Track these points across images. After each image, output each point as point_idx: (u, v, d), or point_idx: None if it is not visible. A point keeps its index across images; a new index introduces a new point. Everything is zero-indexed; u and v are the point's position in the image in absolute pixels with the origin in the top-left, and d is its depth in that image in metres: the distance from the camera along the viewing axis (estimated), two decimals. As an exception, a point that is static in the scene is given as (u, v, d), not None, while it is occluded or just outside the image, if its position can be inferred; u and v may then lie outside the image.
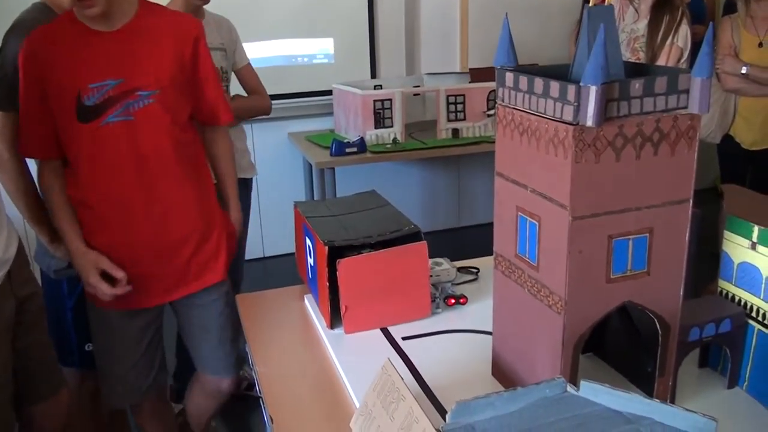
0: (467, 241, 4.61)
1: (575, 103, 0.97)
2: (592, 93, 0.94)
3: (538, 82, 1.04)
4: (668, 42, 3.28)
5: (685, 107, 1.05)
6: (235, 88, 2.79)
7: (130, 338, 1.85)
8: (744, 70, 3.31)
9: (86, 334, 1.91)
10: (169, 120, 1.72)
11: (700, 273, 1.41)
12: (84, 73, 1.63)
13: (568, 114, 0.98)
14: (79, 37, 1.65)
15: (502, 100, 1.16)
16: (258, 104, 2.71)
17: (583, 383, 0.84)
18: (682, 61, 3.39)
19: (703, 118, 3.59)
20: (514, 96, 1.12)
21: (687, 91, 1.04)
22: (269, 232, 4.37)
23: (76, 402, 2.05)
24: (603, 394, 0.81)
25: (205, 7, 2.46)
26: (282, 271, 4.19)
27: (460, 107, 3.74)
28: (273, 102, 4.09)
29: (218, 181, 2.01)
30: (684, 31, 3.34)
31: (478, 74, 3.94)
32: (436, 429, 0.87)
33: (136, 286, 1.74)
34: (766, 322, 1.21)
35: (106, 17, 1.64)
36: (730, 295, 1.28)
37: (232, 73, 2.66)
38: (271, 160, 4.26)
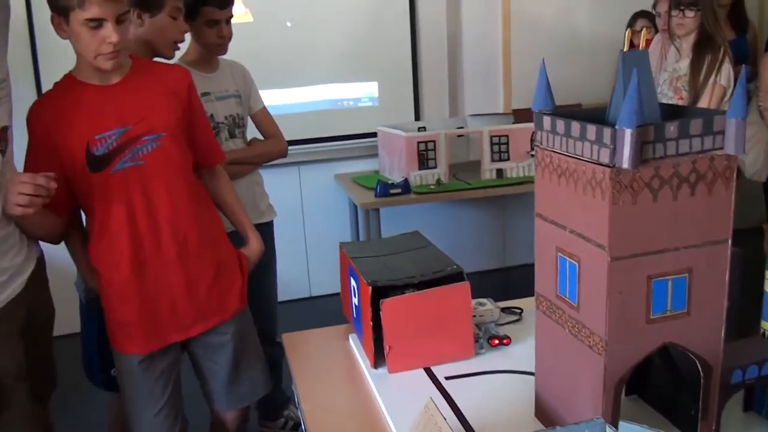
0: (512, 281, 4.59)
1: (611, 146, 0.99)
2: (627, 136, 0.97)
3: (575, 126, 1.07)
4: (711, 81, 3.27)
5: (721, 148, 1.06)
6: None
7: (151, 384, 1.90)
8: None
9: (110, 359, 1.97)
10: (177, 161, 1.83)
11: (747, 314, 1.40)
12: (92, 125, 1.73)
13: (605, 156, 1.00)
14: (81, 94, 1.75)
15: (541, 143, 1.18)
16: (275, 148, 2.75)
17: (622, 424, 0.84)
18: (725, 99, 3.37)
19: (750, 158, 3.57)
20: (552, 139, 1.15)
21: (722, 132, 1.05)
22: (315, 272, 4.43)
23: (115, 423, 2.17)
24: (641, 434, 0.82)
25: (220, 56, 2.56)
26: (328, 311, 4.22)
27: (504, 147, 3.77)
28: (320, 144, 4.22)
29: (231, 218, 2.11)
30: (726, 70, 3.32)
31: (521, 115, 3.96)
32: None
33: (152, 324, 1.84)
34: (812, 363, 1.19)
35: (110, 73, 1.75)
36: (774, 335, 1.27)
37: (249, 118, 2.72)
38: (318, 201, 4.34)
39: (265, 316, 2.63)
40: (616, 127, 0.98)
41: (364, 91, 4.31)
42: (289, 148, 4.16)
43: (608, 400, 1.06)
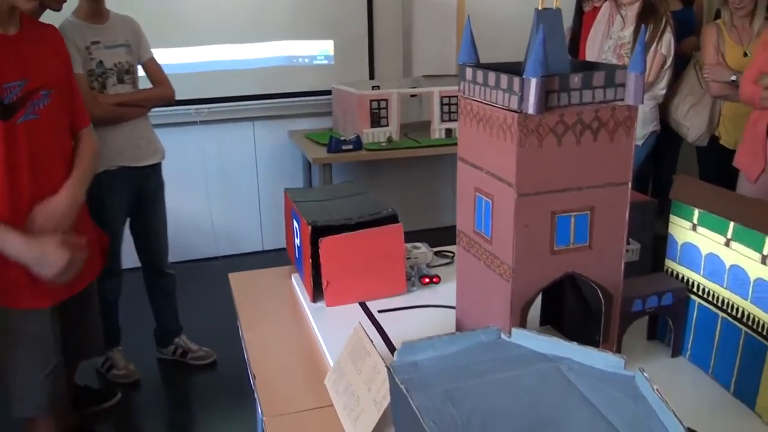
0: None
1: (519, 93, 1.10)
2: (532, 84, 1.08)
3: (491, 76, 1.18)
4: (652, 49, 3.42)
5: (622, 99, 1.18)
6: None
7: (47, 340, 1.97)
8: (733, 78, 3.43)
9: None
10: (64, 119, 1.93)
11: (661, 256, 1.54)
12: (1, 72, 1.77)
13: (514, 103, 1.12)
14: None
15: (464, 93, 1.29)
16: (161, 93, 2.97)
17: (514, 330, 0.97)
18: (665, 67, 3.53)
19: (693, 123, 3.73)
20: (473, 88, 1.25)
21: (623, 85, 1.17)
22: (268, 226, 4.52)
23: None
24: (530, 339, 0.95)
25: (109, 7, 2.82)
26: (279, 264, 4.33)
27: (453, 108, 3.89)
28: (275, 101, 4.27)
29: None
30: (667, 39, 3.47)
31: (473, 77, 4.07)
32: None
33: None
34: (705, 296, 1.34)
35: (8, 23, 1.81)
36: (674, 272, 1.42)
37: (139, 66, 2.95)
38: (272, 157, 4.41)
39: (154, 250, 3.05)
40: (523, 76, 1.09)
41: (320, 49, 4.37)
42: (244, 103, 4.23)
43: (515, 321, 1.19)
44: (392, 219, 1.66)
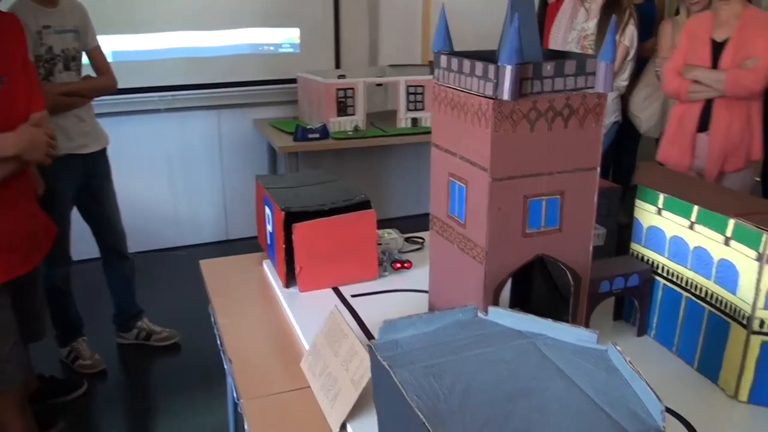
0: (426, 227, 4.78)
1: (494, 80, 1.13)
2: (507, 71, 1.11)
3: (467, 63, 1.21)
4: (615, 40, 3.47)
5: (592, 87, 1.22)
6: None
7: (6, 314, 2.02)
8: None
9: None
10: (18, 106, 1.96)
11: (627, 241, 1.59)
12: None
13: (489, 89, 1.14)
14: None
15: (438, 80, 1.32)
16: (105, 83, 2.97)
17: (491, 309, 1.00)
18: (628, 59, 3.60)
19: (646, 114, 3.73)
20: (447, 76, 1.28)
21: (594, 73, 1.21)
22: (233, 215, 4.50)
23: None
24: (506, 317, 0.98)
25: None
26: (244, 252, 4.33)
27: (419, 97, 3.92)
28: (239, 89, 4.25)
29: None
30: (630, 31, 3.55)
31: (438, 66, 4.10)
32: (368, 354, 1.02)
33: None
34: (670, 277, 1.39)
35: None
36: (640, 255, 1.46)
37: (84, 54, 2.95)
38: (237, 146, 4.39)
39: (111, 233, 3.07)
40: (499, 63, 1.12)
41: (285, 37, 4.36)
42: (208, 91, 4.20)
43: (487, 302, 1.22)
44: (365, 205, 1.68)
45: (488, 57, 1.23)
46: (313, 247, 1.62)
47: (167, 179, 4.27)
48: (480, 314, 1.00)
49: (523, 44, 1.13)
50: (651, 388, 0.80)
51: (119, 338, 3.28)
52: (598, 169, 1.27)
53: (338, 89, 3.77)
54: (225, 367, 1.60)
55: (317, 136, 3.69)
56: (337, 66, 4.47)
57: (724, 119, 2.96)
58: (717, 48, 2.99)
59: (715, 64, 2.97)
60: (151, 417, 2.80)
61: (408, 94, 3.89)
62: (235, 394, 1.36)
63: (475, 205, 1.23)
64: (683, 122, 3.08)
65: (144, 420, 2.79)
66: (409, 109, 3.92)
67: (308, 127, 3.72)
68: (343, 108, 3.81)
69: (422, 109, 3.92)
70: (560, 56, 1.29)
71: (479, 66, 1.17)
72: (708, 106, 2.99)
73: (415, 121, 3.93)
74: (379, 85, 4.26)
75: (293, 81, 4.16)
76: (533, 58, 1.20)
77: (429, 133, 3.98)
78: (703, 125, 3.02)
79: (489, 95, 1.15)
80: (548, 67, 1.17)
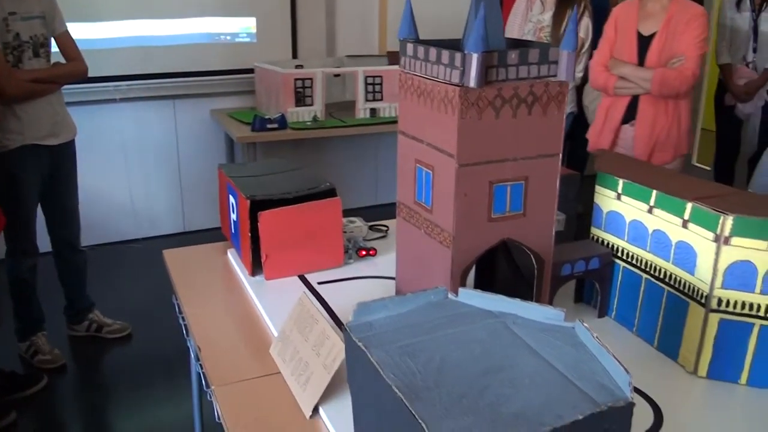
0: (384, 217, 4.81)
1: (461, 68, 1.15)
2: (474, 59, 1.13)
3: (433, 51, 1.23)
4: None
5: (555, 75, 1.25)
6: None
7: None
8: None
9: None
10: None
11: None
12: None
13: (456, 77, 1.17)
14: None
15: (404, 68, 1.34)
16: (75, 70, 2.92)
17: (461, 290, 1.03)
18: (583, 50, 3.67)
19: (593, 107, 3.65)
20: (413, 64, 1.30)
21: (556, 62, 1.24)
22: (190, 207, 4.45)
23: None
24: (476, 298, 1.01)
25: None
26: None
27: (378, 88, 3.93)
28: (196, 79, 4.20)
29: None
30: (585, 23, 3.61)
31: (396, 57, 4.10)
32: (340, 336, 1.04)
33: None
34: (629, 260, 1.43)
35: None
36: (600, 239, 1.51)
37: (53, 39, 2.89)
38: (194, 137, 4.34)
39: (67, 226, 3.03)
40: (465, 51, 1.14)
41: (241, 26, 4.32)
42: (164, 81, 4.14)
43: (454, 286, 1.25)
44: (330, 193, 1.69)
45: (453, 45, 1.25)
46: (279, 235, 1.62)
47: (123, 171, 4.20)
48: (450, 295, 1.03)
49: (489, 33, 1.15)
50: (618, 361, 0.83)
51: (70, 330, 3.24)
52: (560, 155, 1.31)
53: (296, 79, 3.76)
54: (191, 355, 1.60)
55: (275, 126, 3.68)
56: (294, 56, 4.45)
57: (649, 114, 2.94)
58: (644, 42, 2.93)
59: (641, 59, 2.92)
60: (113, 410, 2.77)
61: (366, 84, 3.90)
62: (204, 382, 1.37)
63: (442, 190, 1.25)
64: (610, 114, 3.07)
65: (107, 413, 2.76)
66: (367, 100, 3.93)
67: (266, 117, 3.70)
68: (302, 98, 3.81)
69: (381, 100, 3.94)
70: (522, 45, 1.32)
71: (446, 54, 1.19)
72: (635, 98, 2.96)
73: (373, 111, 3.95)
74: (337, 75, 4.26)
75: (250, 71, 4.12)
76: (498, 47, 1.23)
77: (388, 123, 4.00)
78: (629, 117, 3.00)
79: (455, 83, 1.17)
80: (513, 56, 1.19)
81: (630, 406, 0.81)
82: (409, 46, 1.31)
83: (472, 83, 1.15)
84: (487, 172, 1.23)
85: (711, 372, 1.28)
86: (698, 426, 1.17)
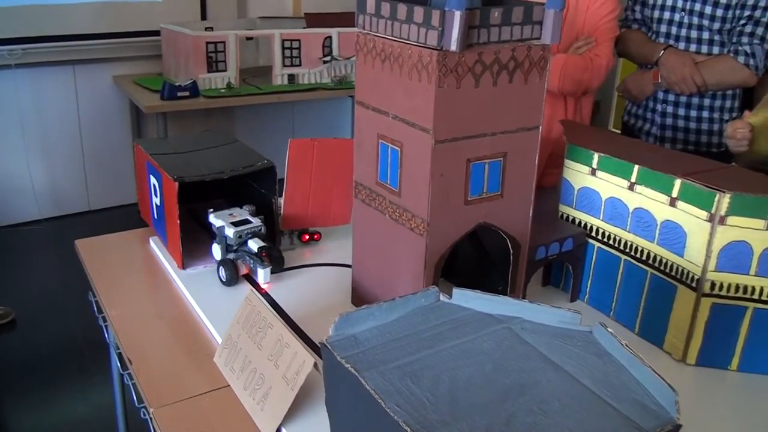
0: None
1: (440, 28, 0.99)
2: (457, 18, 0.97)
3: (402, 8, 1.05)
4: None
5: (539, 38, 1.11)
6: None
7: None
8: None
9: None
10: None
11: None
12: None
13: (432, 39, 1.00)
14: None
15: (363, 27, 1.16)
16: None
17: (455, 290, 0.88)
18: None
19: None
20: (375, 23, 1.12)
21: (540, 23, 1.10)
22: (94, 183, 4.10)
23: None
24: (474, 300, 0.86)
25: None
26: (111, 225, 3.99)
27: (296, 53, 3.70)
28: (96, 42, 3.86)
29: None
30: None
31: (314, 20, 3.89)
32: (311, 349, 0.87)
33: None
34: (606, 240, 1.32)
35: None
36: (571, 218, 1.39)
37: None
38: (96, 105, 3.99)
39: None
40: (446, 8, 0.97)
41: (144, -14, 3.97)
42: (62, 44, 3.77)
43: (429, 278, 1.10)
44: (268, 171, 1.50)
45: (420, 2, 1.09)
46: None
47: (21, 145, 3.80)
48: (443, 297, 0.88)
49: (469, -13, 0.99)
50: (659, 375, 0.71)
51: None
52: (540, 128, 1.17)
53: (207, 42, 3.47)
54: (106, 340, 1.39)
55: (187, 94, 3.39)
56: (203, 17, 4.13)
57: (545, 114, 2.45)
58: None
59: None
60: (28, 403, 2.50)
61: (284, 48, 3.66)
62: (135, 398, 1.17)
63: (413, 170, 1.09)
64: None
65: (20, 407, 2.49)
66: (285, 65, 3.69)
67: (176, 84, 3.41)
68: (214, 63, 3.53)
69: (299, 65, 3.71)
70: (497, 2, 1.17)
71: (419, 12, 1.02)
72: None
73: (291, 78, 3.72)
74: (250, 39, 3.99)
75: (156, 33, 3.80)
76: (474, 4, 1.07)
77: (307, 90, 3.77)
78: None
79: (432, 45, 1.01)
80: (496, 14, 1.04)
81: (677, 428, 0.68)
82: (370, 3, 1.13)
83: (453, 46, 0.99)
84: (465, 148, 1.08)
85: (701, 359, 1.19)
86: (689, 413, 1.07)
